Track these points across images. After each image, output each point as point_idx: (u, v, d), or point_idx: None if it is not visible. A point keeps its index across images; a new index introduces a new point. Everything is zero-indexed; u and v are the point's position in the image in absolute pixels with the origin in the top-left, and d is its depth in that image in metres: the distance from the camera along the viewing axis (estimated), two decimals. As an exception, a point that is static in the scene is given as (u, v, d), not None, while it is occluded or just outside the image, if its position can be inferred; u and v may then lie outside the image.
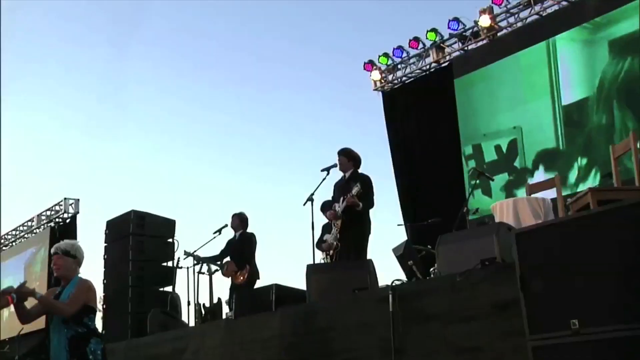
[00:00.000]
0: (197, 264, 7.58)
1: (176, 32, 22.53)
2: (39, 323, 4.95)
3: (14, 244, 16.37)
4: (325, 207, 6.76)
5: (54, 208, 14.57)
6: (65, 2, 20.42)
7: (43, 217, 14.90)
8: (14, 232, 16.24)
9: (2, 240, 16.45)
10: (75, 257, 4.29)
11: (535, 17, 9.42)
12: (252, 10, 21.45)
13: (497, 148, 9.58)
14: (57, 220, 14.40)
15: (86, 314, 4.12)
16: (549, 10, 9.27)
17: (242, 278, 7.36)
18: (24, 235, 15.87)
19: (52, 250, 4.32)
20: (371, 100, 11.60)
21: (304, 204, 6.34)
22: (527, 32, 9.42)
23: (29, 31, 21.59)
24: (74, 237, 13.35)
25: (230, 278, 7.52)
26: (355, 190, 6.05)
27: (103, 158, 22.89)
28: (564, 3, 9.03)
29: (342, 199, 6.19)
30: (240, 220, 7.67)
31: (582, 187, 7.81)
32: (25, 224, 15.75)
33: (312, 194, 6.36)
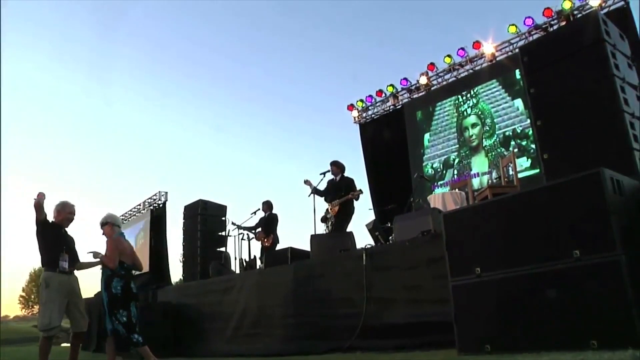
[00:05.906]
0: (240, 231, 7.55)
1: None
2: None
3: (129, 220, 16.33)
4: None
5: (152, 197, 14.52)
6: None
7: (146, 204, 14.85)
8: (129, 213, 16.21)
9: (122, 218, 16.23)
10: (106, 223, 3.97)
11: (454, 79, 9.47)
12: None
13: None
14: (154, 206, 14.36)
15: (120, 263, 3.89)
16: (463, 75, 9.31)
17: (268, 243, 7.38)
18: (134, 214, 15.84)
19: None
20: (352, 130, 11.57)
21: (309, 196, 6.25)
22: (452, 86, 9.49)
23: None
24: (165, 217, 13.27)
25: (260, 242, 7.54)
26: (351, 194, 6.03)
27: (184, 161, 22.71)
28: (470, 70, 9.06)
29: (342, 194, 6.07)
30: (267, 206, 7.60)
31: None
32: (135, 207, 15.74)
33: (315, 188, 6.32)
